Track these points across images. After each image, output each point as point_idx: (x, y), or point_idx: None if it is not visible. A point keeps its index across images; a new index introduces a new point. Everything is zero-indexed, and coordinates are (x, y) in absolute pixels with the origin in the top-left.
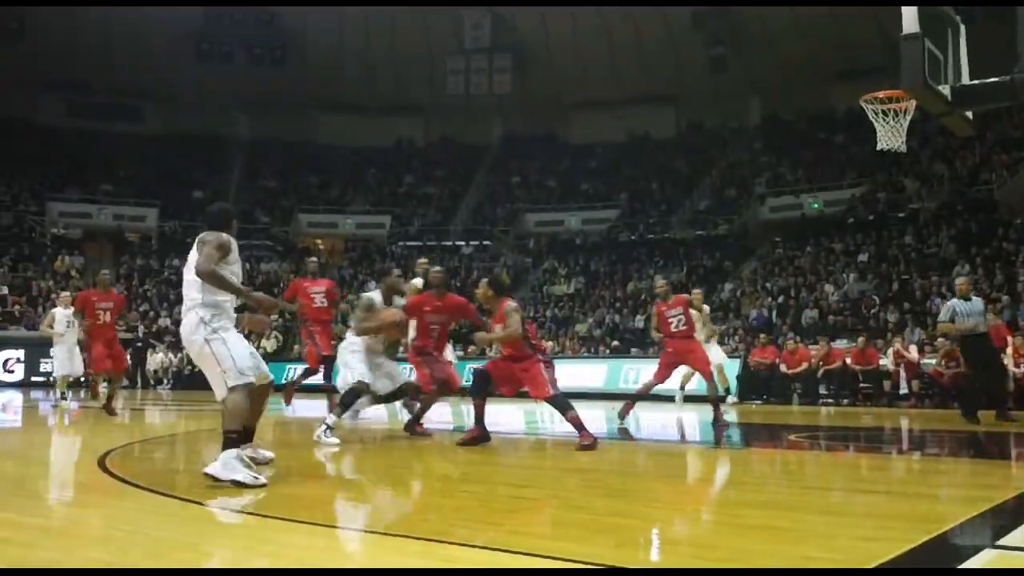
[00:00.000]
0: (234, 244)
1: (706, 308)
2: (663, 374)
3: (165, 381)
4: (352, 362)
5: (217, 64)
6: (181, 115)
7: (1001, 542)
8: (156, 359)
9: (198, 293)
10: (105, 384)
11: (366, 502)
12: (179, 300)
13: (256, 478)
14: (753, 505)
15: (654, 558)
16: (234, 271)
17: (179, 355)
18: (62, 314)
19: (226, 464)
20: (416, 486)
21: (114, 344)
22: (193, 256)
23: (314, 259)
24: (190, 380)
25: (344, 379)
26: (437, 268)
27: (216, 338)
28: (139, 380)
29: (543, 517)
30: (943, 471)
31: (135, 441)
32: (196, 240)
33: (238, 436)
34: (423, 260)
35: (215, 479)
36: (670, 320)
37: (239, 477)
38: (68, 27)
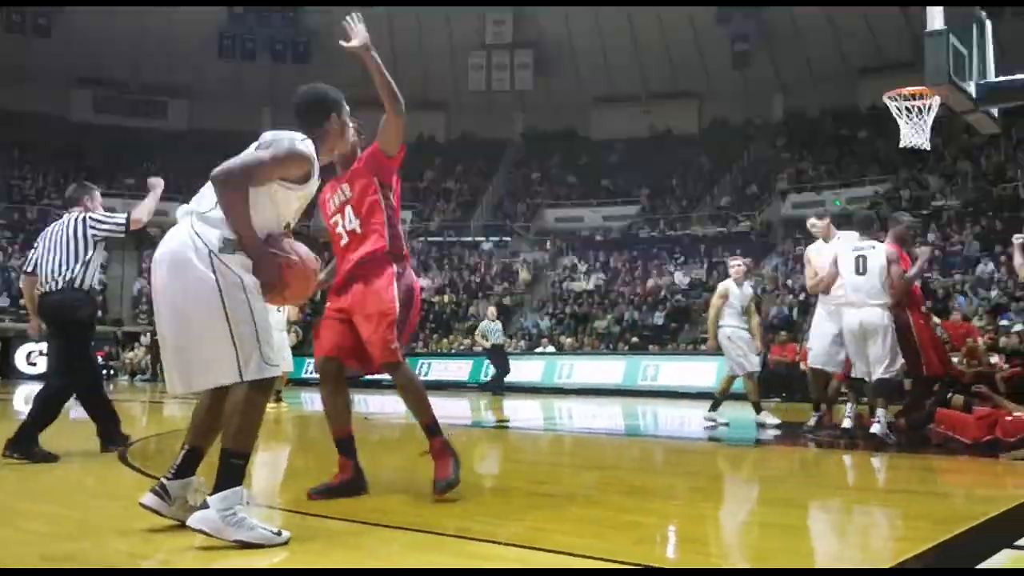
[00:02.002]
0: (316, 169)
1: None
2: None
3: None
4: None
5: (240, 61)
6: (205, 112)
7: (1021, 542)
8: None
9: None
10: None
11: (381, 497)
12: None
13: (277, 533)
14: (771, 503)
15: (670, 555)
16: (292, 209)
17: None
18: None
19: (226, 513)
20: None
21: None
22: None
23: None
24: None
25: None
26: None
27: (240, 297)
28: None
29: (563, 514)
30: (959, 470)
31: (150, 436)
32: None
33: (245, 463)
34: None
35: (207, 536)
36: None
37: (246, 536)
38: (96, 25)
